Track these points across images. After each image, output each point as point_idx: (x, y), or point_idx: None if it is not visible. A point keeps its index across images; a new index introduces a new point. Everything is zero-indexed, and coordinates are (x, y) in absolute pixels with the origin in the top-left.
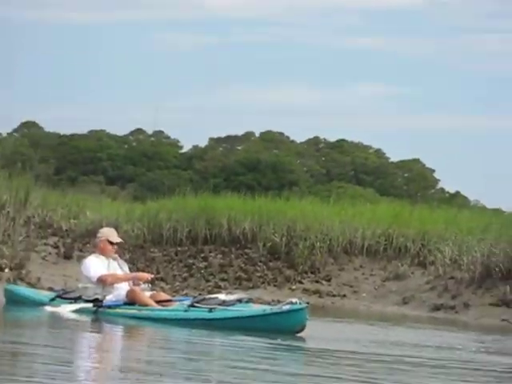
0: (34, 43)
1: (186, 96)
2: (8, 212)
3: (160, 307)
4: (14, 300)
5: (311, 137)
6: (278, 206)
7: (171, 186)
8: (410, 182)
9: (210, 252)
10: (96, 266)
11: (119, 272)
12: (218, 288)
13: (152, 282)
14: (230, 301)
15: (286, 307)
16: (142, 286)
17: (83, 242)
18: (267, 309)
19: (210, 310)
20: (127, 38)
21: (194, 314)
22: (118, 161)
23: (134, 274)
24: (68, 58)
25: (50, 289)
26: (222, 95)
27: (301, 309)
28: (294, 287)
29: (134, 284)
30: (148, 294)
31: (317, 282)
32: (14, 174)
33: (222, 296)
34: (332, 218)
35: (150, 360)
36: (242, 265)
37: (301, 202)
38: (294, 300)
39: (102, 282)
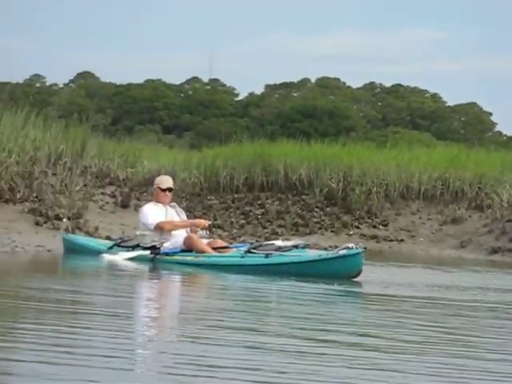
0: None
1: (240, 43)
2: (65, 162)
3: (217, 254)
4: (72, 249)
5: (367, 82)
6: (334, 151)
7: (228, 134)
8: (467, 125)
9: (267, 199)
10: (154, 213)
11: (177, 219)
12: (275, 235)
13: (209, 228)
14: (286, 247)
15: (342, 252)
16: (200, 232)
17: (140, 190)
18: (323, 254)
19: (267, 256)
20: None
21: (250, 259)
22: (174, 110)
23: (192, 220)
24: (121, 6)
25: (108, 238)
26: (277, 41)
27: (357, 253)
28: (351, 233)
29: (192, 231)
30: (205, 241)
31: (374, 227)
32: (71, 124)
33: (278, 242)
34: (388, 162)
35: (207, 308)
36: (299, 211)
37: (357, 148)
38: (350, 245)
39: (160, 228)
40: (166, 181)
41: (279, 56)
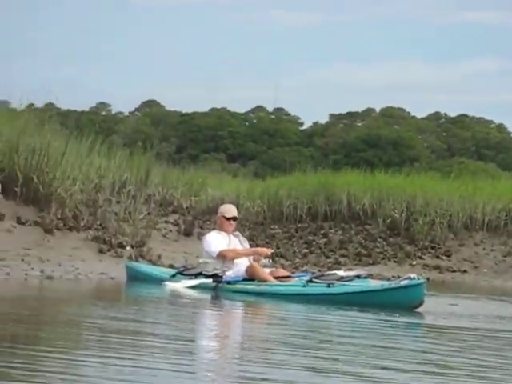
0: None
1: (305, 73)
2: (129, 190)
3: (279, 283)
4: (135, 277)
5: (432, 112)
6: (397, 181)
7: (292, 163)
8: None
9: (330, 228)
10: (217, 241)
11: (239, 248)
12: (338, 264)
13: (272, 257)
14: (348, 276)
15: (404, 282)
16: (263, 261)
17: (203, 219)
18: (385, 284)
19: (329, 286)
20: (241, 15)
21: (312, 289)
22: (238, 138)
23: (254, 248)
24: (186, 36)
25: (171, 266)
26: (342, 72)
27: (419, 284)
28: (414, 263)
29: (255, 260)
30: (268, 270)
31: (437, 257)
32: (135, 152)
33: (340, 272)
34: (452, 193)
35: (269, 337)
36: (362, 241)
37: (420, 178)
38: (412, 275)
39: (223, 257)
40: (230, 210)
41: (344, 85)
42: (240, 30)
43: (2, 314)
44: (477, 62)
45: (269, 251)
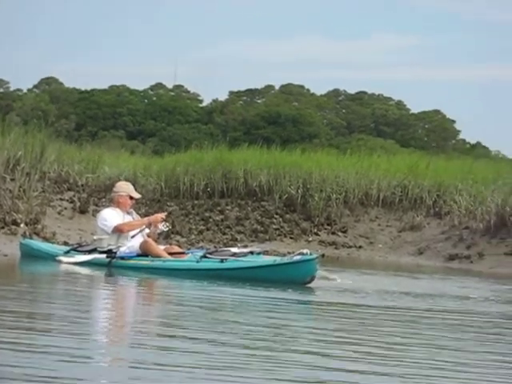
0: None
1: (203, 49)
2: (23, 168)
3: (173, 258)
4: (29, 254)
5: (331, 89)
6: (293, 158)
7: (192, 141)
8: (431, 132)
9: (227, 205)
10: (113, 216)
11: None
12: (235, 241)
13: (167, 220)
14: (241, 252)
15: (297, 258)
16: (160, 227)
17: (99, 196)
18: (278, 259)
19: (222, 261)
20: None
21: (205, 264)
22: (138, 115)
23: (147, 218)
24: (87, 12)
25: (65, 243)
26: (241, 48)
27: (311, 259)
28: (310, 239)
29: (152, 231)
30: (162, 247)
31: (333, 233)
32: (30, 129)
33: (234, 249)
34: (348, 169)
35: (162, 315)
36: (259, 217)
37: (317, 154)
38: (304, 251)
39: (119, 230)
40: (132, 189)
41: (243, 62)
42: (140, 5)
43: None
44: (376, 39)
45: (161, 215)
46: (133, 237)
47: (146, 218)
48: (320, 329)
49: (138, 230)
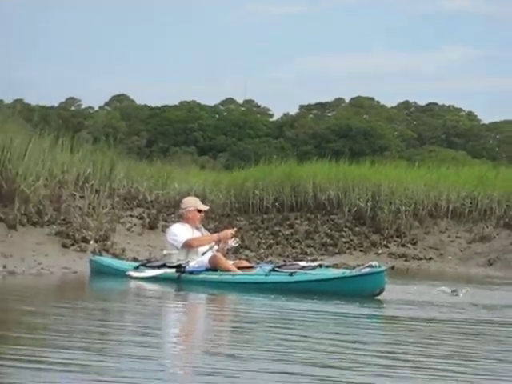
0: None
1: (275, 64)
2: (92, 185)
3: (241, 272)
4: (98, 271)
5: (401, 101)
6: (362, 171)
7: (262, 155)
8: (502, 143)
9: (296, 219)
10: (182, 231)
11: None
12: (304, 254)
13: (236, 235)
14: (310, 266)
15: (365, 270)
16: (230, 242)
17: (168, 212)
18: (346, 272)
19: (291, 274)
20: (215, 7)
21: (274, 277)
22: (209, 131)
23: (217, 234)
24: (157, 29)
25: (135, 259)
26: (311, 62)
27: (380, 272)
28: (380, 252)
29: (220, 247)
30: (231, 262)
31: (403, 245)
32: (100, 147)
33: (302, 263)
34: (416, 181)
35: (232, 330)
36: (328, 231)
37: (385, 167)
38: (373, 263)
39: (189, 245)
40: (199, 202)
41: (313, 76)
42: (211, 22)
43: None
44: (446, 51)
45: (231, 231)
46: (203, 254)
47: (215, 234)
48: (387, 343)
49: (208, 247)
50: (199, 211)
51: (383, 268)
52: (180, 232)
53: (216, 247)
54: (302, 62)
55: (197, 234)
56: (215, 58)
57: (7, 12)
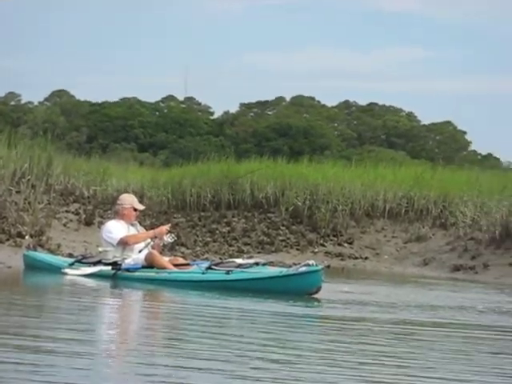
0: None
1: (216, 60)
2: (28, 180)
3: (178, 270)
4: (32, 266)
5: (342, 100)
6: (300, 170)
7: (203, 153)
8: (442, 144)
9: (233, 217)
10: (117, 229)
11: None
12: (241, 252)
13: (172, 231)
14: (246, 264)
15: (302, 269)
16: (166, 238)
17: (104, 208)
18: (283, 270)
19: (227, 272)
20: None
21: (211, 276)
22: (149, 128)
23: (152, 230)
24: (96, 22)
25: (70, 255)
26: (251, 60)
27: (316, 270)
28: (316, 250)
29: (156, 243)
30: (167, 258)
31: (339, 244)
32: (39, 142)
33: (239, 260)
34: (354, 181)
35: (168, 326)
36: (265, 229)
37: (323, 166)
38: (310, 262)
39: (124, 243)
40: (136, 200)
41: (254, 74)
42: (151, 16)
43: None
44: (386, 51)
45: (166, 227)
46: (140, 251)
47: (151, 231)
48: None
49: (144, 244)
50: (135, 209)
51: (320, 267)
52: (115, 229)
53: (152, 244)
54: (243, 60)
55: (132, 230)
56: (156, 53)
57: None
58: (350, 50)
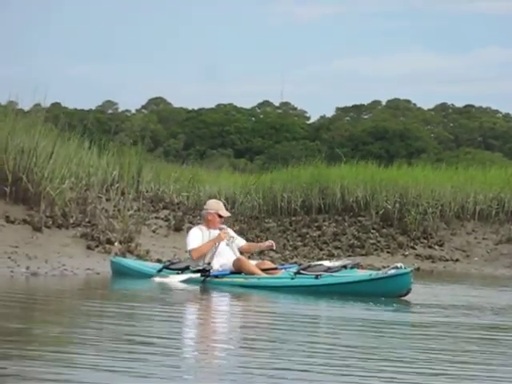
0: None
1: (311, 66)
2: (117, 187)
3: (267, 275)
4: (119, 272)
5: (438, 103)
6: (390, 173)
7: (299, 158)
8: None
9: (324, 221)
10: (193, 237)
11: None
12: (332, 256)
13: (232, 236)
14: (335, 267)
15: (392, 272)
16: (226, 240)
17: (194, 214)
18: (373, 273)
19: (317, 277)
20: (250, 10)
21: (300, 281)
22: (246, 133)
23: (213, 239)
24: (192, 33)
25: (158, 260)
26: (348, 64)
27: (406, 273)
28: (406, 253)
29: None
30: (254, 262)
31: (429, 247)
32: (127, 149)
33: (326, 263)
34: (444, 183)
35: (258, 331)
36: (355, 232)
37: (412, 169)
38: (399, 264)
39: (191, 255)
40: (222, 207)
41: (350, 78)
42: (246, 24)
43: None
44: (483, 52)
45: (224, 231)
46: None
47: (211, 240)
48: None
49: (221, 246)
50: (220, 216)
51: (409, 269)
52: (191, 237)
53: (241, 245)
54: (333, 65)
55: (213, 234)
56: (251, 60)
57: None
58: (445, 52)
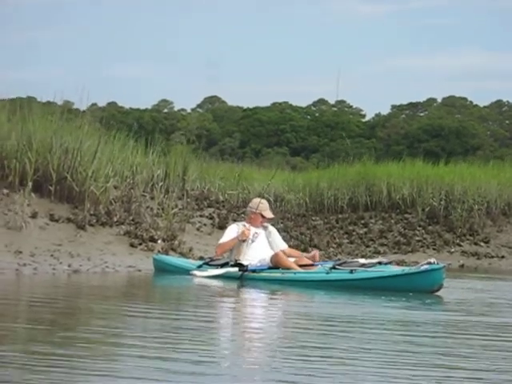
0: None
1: (367, 64)
2: (161, 186)
3: (303, 270)
4: (161, 269)
5: (494, 100)
6: (435, 170)
7: (355, 155)
8: None
9: (370, 218)
10: (228, 233)
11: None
12: (378, 253)
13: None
14: (370, 263)
15: (424, 267)
16: (251, 237)
17: (238, 212)
18: (406, 269)
19: (351, 272)
20: (305, 7)
21: (335, 275)
22: (301, 132)
23: (236, 236)
24: (247, 31)
25: (201, 258)
26: (402, 62)
27: (438, 268)
28: (452, 250)
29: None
30: (292, 259)
31: (475, 244)
32: (173, 148)
33: (362, 260)
34: (489, 180)
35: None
36: (402, 229)
37: (458, 167)
38: (432, 260)
39: (215, 251)
40: (267, 207)
41: (405, 76)
42: (300, 23)
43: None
44: None
45: (246, 230)
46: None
47: (234, 236)
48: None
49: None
50: (263, 217)
51: (442, 265)
52: (227, 233)
53: (282, 245)
54: (393, 62)
55: (254, 231)
56: (305, 58)
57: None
58: (499, 49)
